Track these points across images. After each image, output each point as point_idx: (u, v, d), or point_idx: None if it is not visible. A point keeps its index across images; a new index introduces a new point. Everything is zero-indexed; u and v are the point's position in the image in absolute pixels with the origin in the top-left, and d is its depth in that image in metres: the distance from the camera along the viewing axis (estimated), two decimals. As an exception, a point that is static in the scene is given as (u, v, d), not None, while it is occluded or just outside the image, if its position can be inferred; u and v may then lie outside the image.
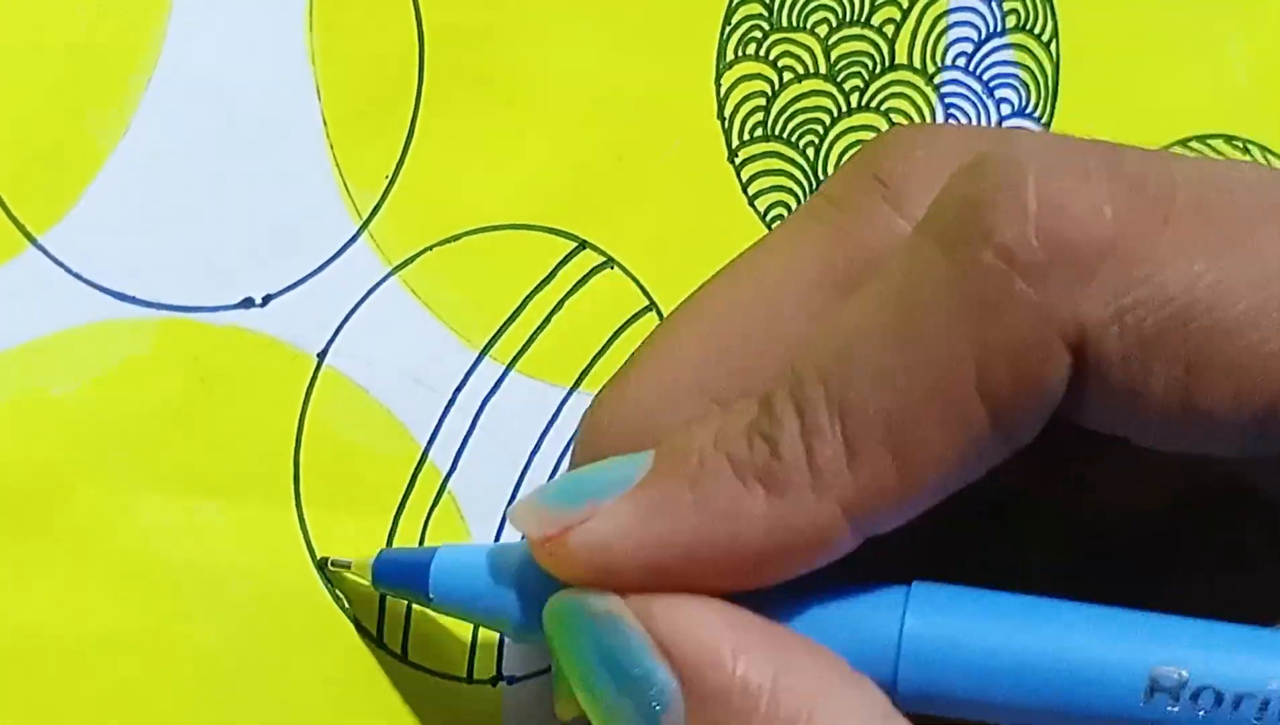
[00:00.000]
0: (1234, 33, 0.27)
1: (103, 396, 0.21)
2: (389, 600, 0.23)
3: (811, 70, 0.25)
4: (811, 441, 0.18)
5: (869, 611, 0.19)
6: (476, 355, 0.23)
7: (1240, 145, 0.27)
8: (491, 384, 0.24)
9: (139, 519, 0.22)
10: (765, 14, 0.25)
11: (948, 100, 0.26)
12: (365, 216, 0.23)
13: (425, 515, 0.23)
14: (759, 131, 0.25)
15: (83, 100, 0.21)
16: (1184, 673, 0.18)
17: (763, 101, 0.25)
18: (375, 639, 0.23)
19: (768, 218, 0.25)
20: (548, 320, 0.24)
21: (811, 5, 0.25)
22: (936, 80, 0.26)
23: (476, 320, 0.24)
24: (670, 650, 0.18)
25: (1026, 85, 0.26)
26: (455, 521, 0.23)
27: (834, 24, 0.25)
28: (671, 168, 0.25)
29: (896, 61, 0.25)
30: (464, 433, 0.23)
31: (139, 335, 0.22)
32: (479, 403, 0.23)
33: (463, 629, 0.23)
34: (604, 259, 0.24)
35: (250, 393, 0.22)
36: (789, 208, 0.25)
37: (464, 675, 0.23)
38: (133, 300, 0.22)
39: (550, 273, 0.24)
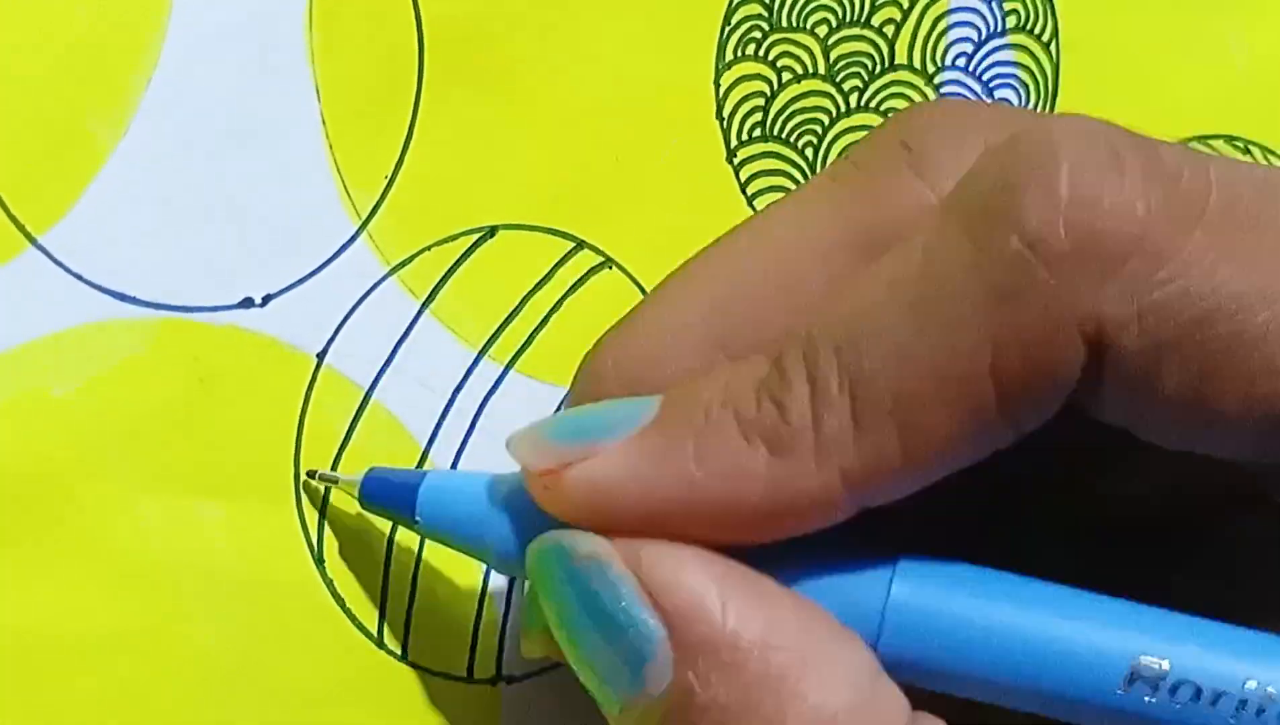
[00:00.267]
0: (1234, 32, 0.27)
1: (103, 396, 0.21)
2: (390, 600, 0.23)
3: (810, 70, 0.25)
4: (820, 409, 0.18)
5: (857, 577, 0.19)
6: (475, 355, 0.24)
7: (1241, 145, 0.27)
8: (491, 384, 0.24)
9: (139, 519, 0.22)
10: (765, 14, 0.25)
11: (947, 101, 0.26)
12: (364, 217, 0.23)
13: (425, 515, 0.23)
14: (757, 132, 0.25)
15: (82, 100, 0.21)
16: (1165, 664, 0.18)
17: (761, 102, 0.25)
18: (375, 639, 0.23)
19: (767, 218, 0.25)
20: (546, 320, 0.24)
21: (811, 5, 0.25)
22: (936, 80, 0.26)
23: (475, 320, 0.24)
24: (659, 599, 0.18)
25: (1026, 85, 0.26)
26: (455, 521, 0.23)
27: (834, 24, 0.25)
28: (670, 168, 0.25)
29: (896, 62, 0.25)
30: (463, 433, 0.23)
31: (139, 335, 0.22)
32: (478, 403, 0.23)
33: (463, 629, 0.23)
34: (602, 259, 0.24)
35: (250, 393, 0.22)
36: (788, 208, 0.25)
37: (464, 675, 0.23)
38: (133, 300, 0.22)
39: (549, 272, 0.24)
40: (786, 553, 0.19)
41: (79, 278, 0.21)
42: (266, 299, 0.22)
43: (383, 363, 0.23)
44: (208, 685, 0.22)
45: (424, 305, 0.23)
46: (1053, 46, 0.26)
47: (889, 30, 0.25)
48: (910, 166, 0.20)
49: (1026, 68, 0.26)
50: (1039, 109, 0.27)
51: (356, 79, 0.23)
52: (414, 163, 0.23)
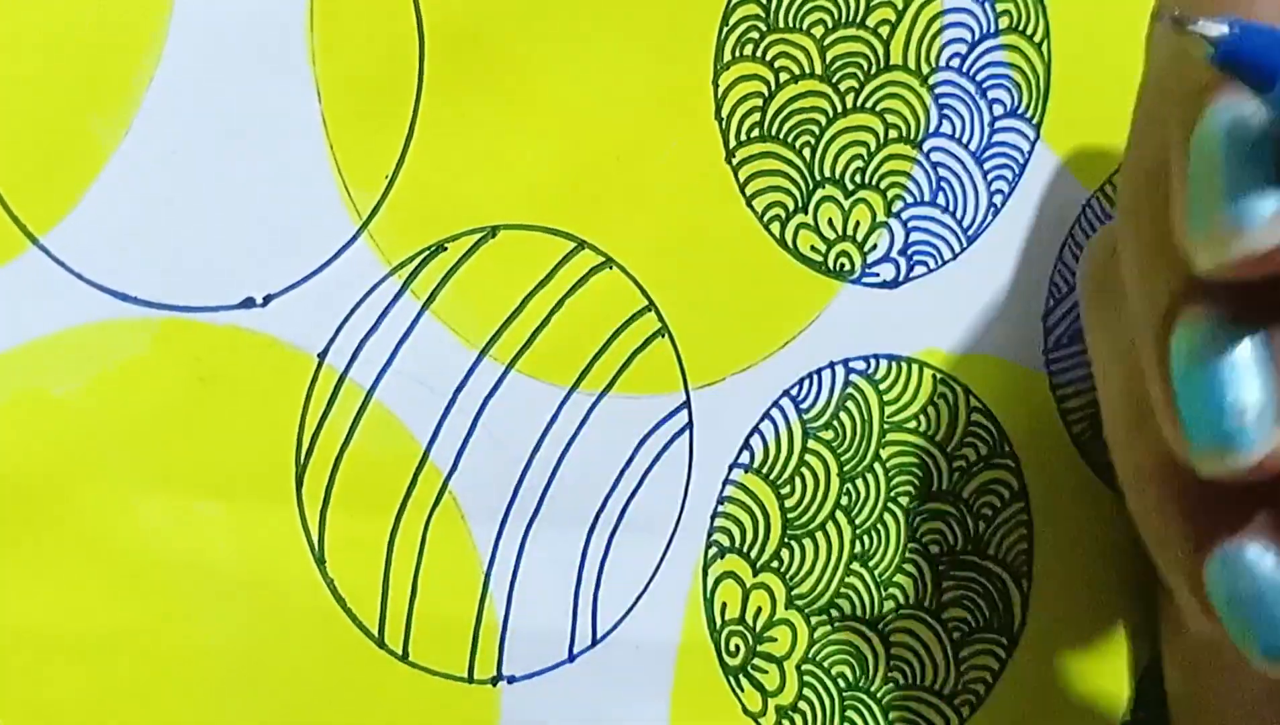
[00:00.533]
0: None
1: (103, 396, 0.21)
2: (390, 600, 0.23)
3: (808, 71, 0.25)
4: None
5: None
6: (476, 355, 0.24)
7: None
8: (491, 384, 0.24)
9: (139, 518, 0.22)
10: (762, 14, 0.25)
11: (941, 101, 0.26)
12: (365, 216, 0.23)
13: (426, 515, 0.23)
14: (755, 132, 0.25)
15: (84, 100, 0.21)
16: None
17: (759, 102, 0.25)
18: (376, 639, 0.23)
19: (764, 219, 0.25)
20: (547, 320, 0.24)
21: (808, 6, 0.25)
22: (931, 81, 0.26)
23: (476, 320, 0.24)
24: None
25: (1018, 85, 0.27)
26: (456, 521, 0.23)
27: (830, 25, 0.25)
28: (669, 168, 0.25)
29: (891, 62, 0.26)
30: (464, 433, 0.23)
31: (140, 335, 0.22)
32: (479, 403, 0.23)
33: (464, 629, 0.23)
34: (603, 259, 0.24)
35: (251, 393, 0.22)
36: (785, 209, 0.25)
37: (464, 675, 0.23)
38: (134, 300, 0.22)
39: (549, 273, 0.24)
40: None
41: (80, 277, 0.21)
42: (267, 299, 0.22)
43: (384, 362, 0.23)
44: (208, 684, 0.22)
45: (425, 305, 0.23)
46: (1044, 47, 0.26)
47: (884, 31, 0.26)
48: None
49: (1019, 68, 0.26)
50: (1030, 109, 0.27)
51: (357, 79, 0.23)
52: (415, 162, 0.23)
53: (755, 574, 0.25)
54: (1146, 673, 0.28)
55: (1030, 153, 0.27)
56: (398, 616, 0.23)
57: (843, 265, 0.26)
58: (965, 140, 0.26)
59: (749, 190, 0.25)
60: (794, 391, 0.26)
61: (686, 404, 0.25)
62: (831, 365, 0.26)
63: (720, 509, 0.25)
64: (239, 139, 0.22)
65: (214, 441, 0.22)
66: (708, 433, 0.25)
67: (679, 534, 0.25)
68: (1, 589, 0.21)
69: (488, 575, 0.23)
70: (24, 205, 0.21)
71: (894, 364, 0.26)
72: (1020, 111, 0.27)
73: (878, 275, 0.26)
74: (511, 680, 0.24)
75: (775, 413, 0.26)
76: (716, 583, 0.25)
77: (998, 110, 0.26)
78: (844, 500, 0.26)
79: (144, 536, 0.22)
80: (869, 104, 0.26)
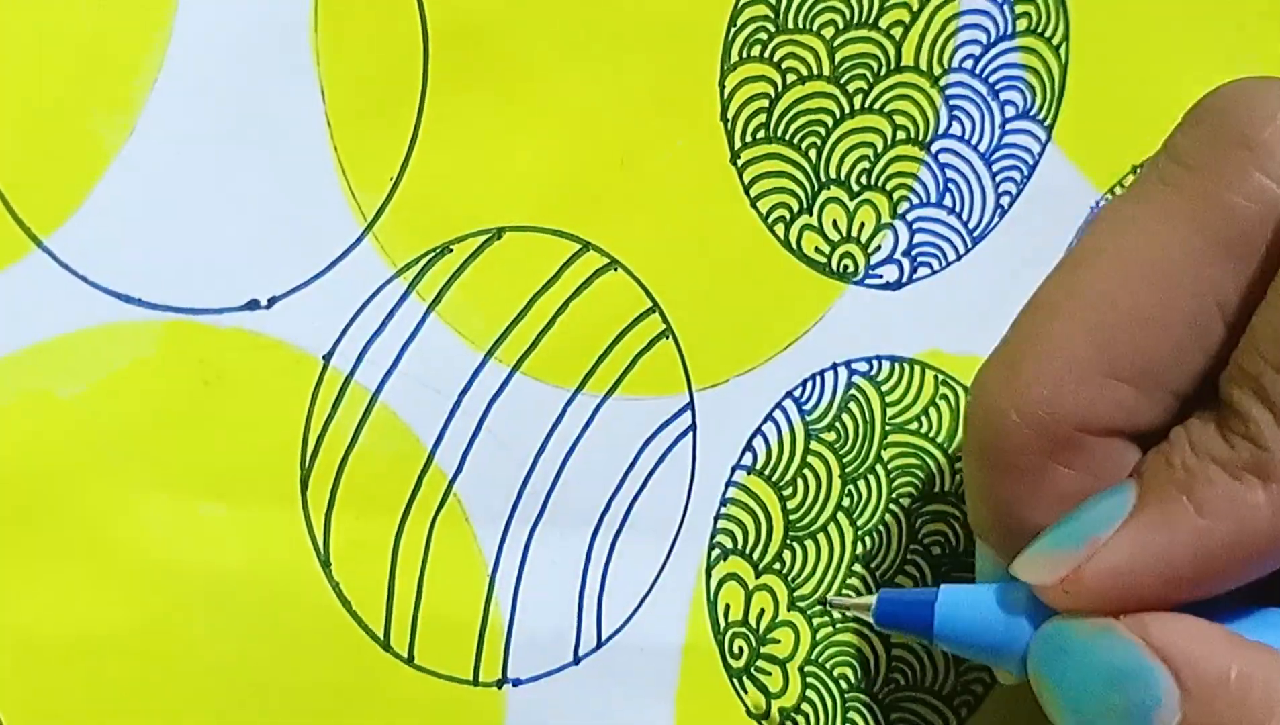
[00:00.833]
0: (1244, 42, 0.27)
1: (108, 399, 0.21)
2: (396, 602, 0.23)
3: (816, 72, 0.25)
4: None
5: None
6: (481, 357, 0.23)
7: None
8: (496, 386, 0.24)
9: (145, 521, 0.22)
10: (771, 15, 0.25)
11: (952, 102, 0.26)
12: (370, 218, 0.23)
13: (431, 517, 0.23)
14: (761, 133, 0.25)
15: (88, 102, 0.21)
16: None
17: (765, 103, 0.25)
18: (381, 642, 0.23)
19: (769, 220, 0.25)
20: (552, 322, 0.24)
21: (819, 6, 0.25)
22: (942, 82, 0.26)
23: (481, 322, 0.23)
24: (1163, 650, 0.19)
25: (1032, 87, 0.26)
26: (461, 524, 0.23)
27: (840, 25, 0.25)
28: (674, 170, 0.25)
29: (902, 64, 0.26)
30: (469, 435, 0.23)
31: (144, 337, 0.22)
32: (484, 405, 0.23)
33: (469, 631, 0.23)
34: (608, 261, 0.24)
35: (256, 395, 0.22)
36: (790, 210, 0.25)
37: (470, 678, 0.23)
38: (138, 302, 0.21)
39: (554, 275, 0.24)
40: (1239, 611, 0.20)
41: (84, 280, 0.21)
42: (272, 301, 0.22)
43: (389, 365, 0.23)
44: (214, 687, 0.22)
45: (430, 307, 0.23)
46: (1062, 50, 0.26)
47: (896, 32, 0.25)
48: (1256, 167, 0.20)
49: (1034, 70, 0.26)
50: (1043, 112, 0.27)
51: (361, 80, 0.23)
52: (419, 164, 0.23)
53: (758, 576, 0.26)
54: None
55: (1040, 154, 0.27)
56: (403, 619, 0.23)
57: (846, 267, 0.26)
58: (975, 141, 0.26)
59: (754, 191, 0.25)
60: (797, 393, 0.26)
61: (690, 406, 0.25)
62: (834, 367, 0.26)
63: (723, 511, 0.25)
64: (243, 141, 0.22)
65: (219, 444, 0.22)
66: (711, 434, 0.25)
67: (682, 536, 0.25)
68: (7, 591, 0.21)
69: (493, 577, 0.23)
70: (28, 207, 0.21)
71: (896, 365, 0.26)
72: (1032, 113, 0.27)
73: (881, 276, 0.26)
74: (517, 683, 0.24)
75: (778, 414, 0.26)
76: (719, 584, 0.25)
77: (1009, 112, 0.26)
78: (846, 502, 0.26)
79: (149, 539, 0.21)
80: (877, 105, 0.26)
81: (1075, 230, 0.27)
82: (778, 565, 0.26)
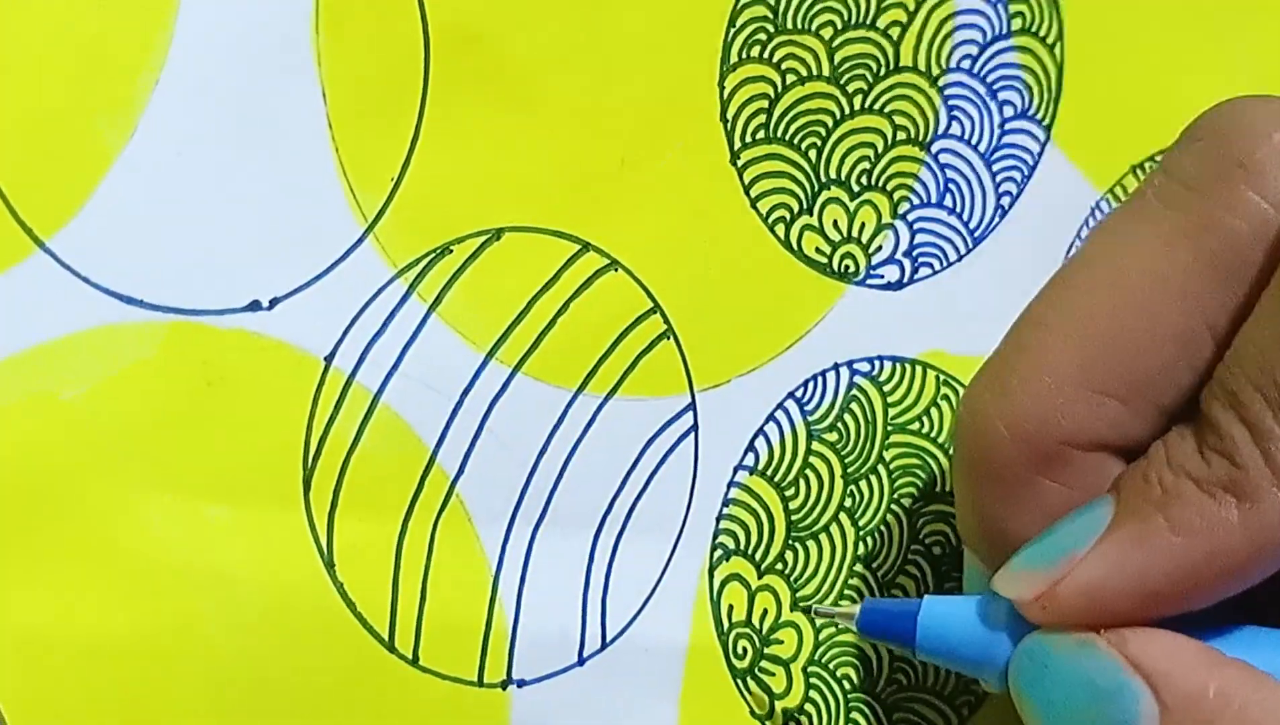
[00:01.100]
0: (1240, 38, 0.27)
1: (110, 400, 0.21)
2: (400, 604, 0.23)
3: (815, 73, 0.25)
4: (1266, 445, 0.19)
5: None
6: (482, 358, 0.23)
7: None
8: (498, 387, 0.24)
9: (147, 522, 0.21)
10: (770, 16, 0.25)
11: (951, 102, 0.26)
12: (371, 219, 0.23)
13: (434, 518, 0.23)
14: (761, 134, 0.25)
15: (89, 103, 0.21)
16: None
17: (765, 104, 0.25)
18: (386, 643, 0.23)
19: (769, 220, 0.25)
20: (553, 323, 0.24)
21: (818, 7, 0.25)
22: (941, 82, 0.26)
23: (482, 322, 0.23)
24: (1142, 666, 0.19)
25: (1029, 87, 0.27)
26: (463, 525, 0.23)
27: (839, 26, 0.25)
28: (674, 170, 0.25)
29: (901, 64, 0.26)
30: (471, 436, 0.23)
31: (146, 339, 0.22)
32: (486, 405, 0.23)
33: (473, 633, 0.23)
34: (608, 261, 0.24)
35: (258, 396, 0.22)
36: (790, 210, 0.25)
37: (474, 679, 0.23)
38: (140, 303, 0.21)
39: (555, 275, 0.24)
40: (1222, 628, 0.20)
41: (86, 281, 0.21)
42: (274, 302, 0.22)
43: (390, 365, 0.23)
44: (218, 688, 0.22)
45: (431, 308, 0.23)
46: (1057, 49, 0.27)
47: (894, 32, 0.26)
48: (1249, 187, 0.20)
49: (1030, 70, 0.27)
50: (1041, 111, 0.27)
51: (363, 81, 0.23)
52: (420, 165, 0.23)
53: (760, 576, 0.25)
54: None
55: (1040, 155, 0.27)
56: (407, 620, 0.23)
57: (847, 267, 0.26)
58: (974, 142, 0.26)
59: (754, 192, 0.25)
60: (798, 393, 0.26)
61: (692, 406, 0.25)
62: (836, 367, 0.26)
63: (725, 512, 0.25)
64: (244, 141, 0.22)
65: (221, 445, 0.22)
66: (713, 435, 0.25)
67: (685, 536, 0.25)
68: (10, 593, 0.21)
69: (496, 578, 0.23)
70: (29, 208, 0.21)
71: (898, 366, 0.26)
72: (1031, 113, 0.27)
73: (882, 277, 0.26)
74: (521, 684, 0.24)
75: (780, 415, 0.26)
76: (722, 585, 0.25)
77: (1008, 112, 0.27)
78: (848, 502, 0.26)
79: (151, 540, 0.21)
80: (877, 105, 0.26)
81: (1076, 231, 0.27)
82: (780, 566, 0.26)
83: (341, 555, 0.22)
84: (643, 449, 0.25)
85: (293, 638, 0.22)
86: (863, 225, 0.26)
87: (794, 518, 0.26)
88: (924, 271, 0.26)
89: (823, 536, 0.26)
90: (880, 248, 0.26)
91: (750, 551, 0.25)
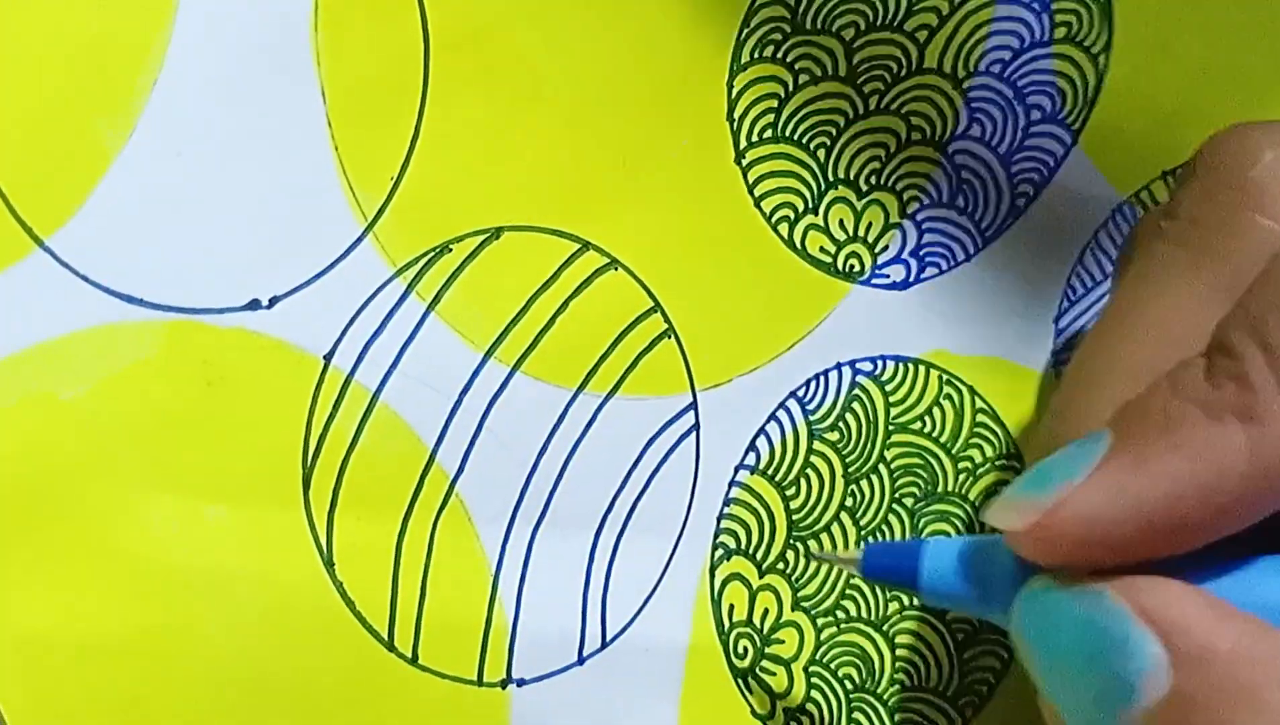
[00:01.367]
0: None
1: (110, 399, 0.21)
2: (399, 603, 0.23)
3: (830, 73, 0.25)
4: None
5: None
6: (482, 357, 0.23)
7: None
8: (497, 386, 0.23)
9: (147, 522, 0.22)
10: (788, 16, 0.24)
11: (974, 105, 0.26)
12: (370, 218, 0.23)
13: (433, 517, 0.23)
14: (768, 133, 0.25)
15: (89, 102, 0.21)
16: None
17: (774, 104, 0.25)
18: (385, 642, 0.23)
19: (773, 220, 0.25)
20: (552, 322, 0.24)
21: (840, 8, 0.25)
22: (966, 85, 0.26)
23: (481, 322, 0.23)
24: (1153, 617, 0.19)
25: (1063, 92, 0.26)
26: (463, 523, 0.23)
27: (862, 27, 0.25)
28: (677, 169, 0.24)
29: (924, 66, 0.25)
30: (470, 435, 0.23)
31: (146, 338, 0.22)
32: (485, 405, 0.23)
33: (473, 632, 0.23)
34: (608, 260, 0.24)
35: (257, 395, 0.22)
36: (795, 210, 0.25)
37: (474, 678, 0.23)
38: (140, 302, 0.21)
39: (554, 274, 0.24)
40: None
41: (86, 280, 0.21)
42: (273, 301, 0.22)
43: (389, 365, 0.23)
44: (218, 688, 0.22)
45: (430, 307, 0.23)
46: (1101, 59, 0.26)
47: (921, 35, 0.25)
48: (1247, 207, 0.21)
49: (1066, 76, 0.26)
50: (1071, 116, 0.26)
51: (362, 80, 0.22)
52: (420, 164, 0.23)
53: (761, 576, 0.25)
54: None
55: (1064, 157, 0.26)
56: (407, 619, 0.23)
57: (852, 266, 0.26)
58: (994, 142, 0.26)
59: (757, 191, 0.25)
60: (800, 393, 0.26)
61: (693, 405, 0.25)
62: (838, 366, 0.26)
63: (726, 511, 0.25)
64: (244, 141, 0.22)
65: (221, 444, 0.22)
66: (714, 434, 0.25)
67: (686, 536, 0.25)
68: (9, 593, 0.21)
69: (496, 577, 0.23)
70: (29, 207, 0.21)
71: (900, 365, 0.26)
72: (1060, 117, 0.26)
73: (887, 276, 0.26)
74: (521, 683, 0.24)
75: (781, 414, 0.25)
76: (723, 585, 0.25)
77: (1035, 115, 0.26)
78: (849, 502, 0.26)
79: (151, 539, 0.22)
80: (893, 106, 0.25)
81: (1092, 232, 0.27)
82: (781, 565, 0.26)
83: (341, 554, 0.22)
84: (644, 448, 0.24)
85: (292, 637, 0.22)
86: (869, 225, 0.26)
87: (795, 517, 0.26)
88: (930, 271, 0.26)
89: (824, 536, 0.26)
90: (887, 247, 0.26)
91: (751, 551, 0.25)
